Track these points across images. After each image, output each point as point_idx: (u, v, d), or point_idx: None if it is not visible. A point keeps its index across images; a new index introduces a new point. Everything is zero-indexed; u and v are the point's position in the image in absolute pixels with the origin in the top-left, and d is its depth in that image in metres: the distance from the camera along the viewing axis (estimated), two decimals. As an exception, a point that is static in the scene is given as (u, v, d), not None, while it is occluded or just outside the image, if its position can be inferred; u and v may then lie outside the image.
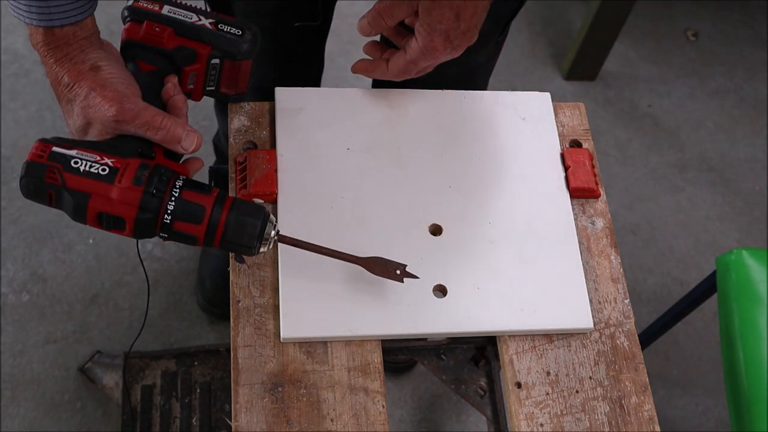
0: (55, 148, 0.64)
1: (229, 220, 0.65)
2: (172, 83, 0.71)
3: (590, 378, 0.74)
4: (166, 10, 0.73)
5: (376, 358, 0.72)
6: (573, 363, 0.75)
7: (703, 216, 1.90)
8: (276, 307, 0.72)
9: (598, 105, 2.03)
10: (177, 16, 0.73)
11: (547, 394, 0.73)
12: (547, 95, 0.88)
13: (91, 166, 0.63)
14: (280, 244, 0.74)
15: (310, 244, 0.71)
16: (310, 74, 1.19)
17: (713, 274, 1.22)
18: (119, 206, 0.63)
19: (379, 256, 0.73)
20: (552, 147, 0.85)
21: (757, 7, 2.28)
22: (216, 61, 0.74)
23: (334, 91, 0.85)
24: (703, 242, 1.86)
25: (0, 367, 1.48)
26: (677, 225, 1.87)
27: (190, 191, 0.65)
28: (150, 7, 0.73)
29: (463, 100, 0.86)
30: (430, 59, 0.75)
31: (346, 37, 1.96)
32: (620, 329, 0.77)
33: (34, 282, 1.58)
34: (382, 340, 0.73)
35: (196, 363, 1.39)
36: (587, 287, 0.78)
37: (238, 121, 0.82)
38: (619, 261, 0.81)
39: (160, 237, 0.66)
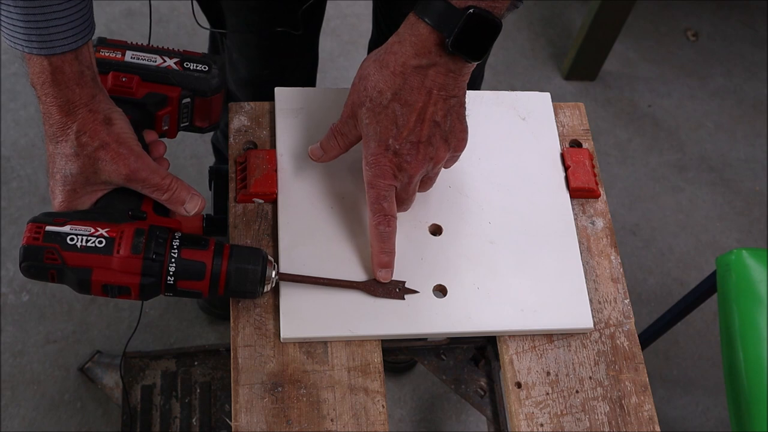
0: (48, 228, 0.64)
1: (230, 271, 0.67)
2: (157, 151, 0.72)
3: (590, 378, 0.74)
4: (129, 56, 0.72)
5: (376, 358, 0.72)
6: (573, 363, 0.75)
7: (703, 216, 1.90)
8: (276, 307, 0.72)
9: (598, 105, 2.03)
10: (141, 62, 0.72)
11: (547, 394, 0.73)
12: (547, 95, 0.88)
13: (87, 240, 0.64)
14: (279, 243, 0.74)
15: (310, 277, 0.72)
16: (304, 69, 1.19)
17: (713, 274, 1.22)
18: (122, 276, 0.64)
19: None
20: (552, 147, 0.85)
21: (757, 7, 2.28)
22: (187, 100, 0.74)
23: (334, 91, 0.85)
24: (703, 242, 1.86)
25: (0, 367, 1.48)
26: (677, 225, 1.88)
27: (188, 249, 0.66)
28: (112, 56, 0.72)
29: (463, 100, 0.86)
30: (380, 176, 0.70)
31: (346, 37, 1.96)
32: (620, 329, 0.77)
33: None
34: (382, 340, 0.73)
35: (196, 363, 1.39)
36: (587, 287, 0.78)
37: (238, 121, 0.82)
38: (619, 261, 0.81)
39: (166, 295, 0.67)
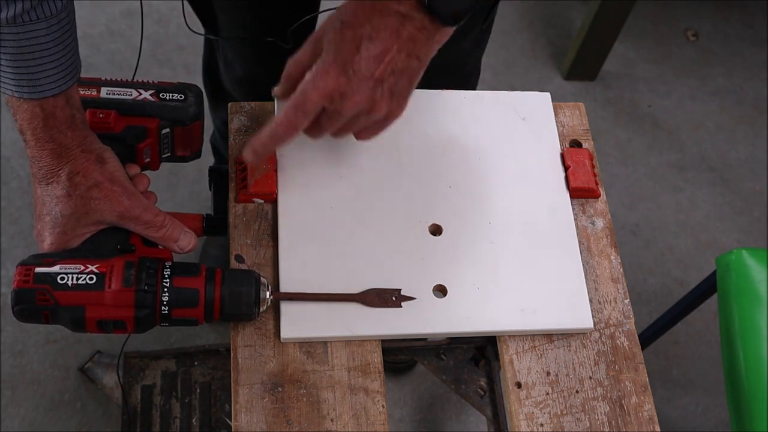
0: (37, 269, 0.64)
1: (224, 295, 0.67)
2: (141, 184, 0.71)
3: (590, 378, 0.74)
4: (104, 92, 0.72)
5: (376, 358, 0.72)
6: (573, 363, 0.75)
7: (703, 216, 1.90)
8: (276, 307, 0.72)
9: (598, 105, 2.03)
10: (117, 97, 0.72)
11: (547, 394, 0.73)
12: (547, 95, 0.88)
13: (78, 278, 0.64)
14: (279, 243, 0.74)
15: (305, 294, 0.72)
16: None
17: (713, 274, 1.22)
18: (116, 310, 0.64)
19: (373, 287, 0.73)
20: (552, 147, 0.85)
21: (757, 7, 2.28)
22: (167, 130, 0.74)
23: (334, 91, 0.85)
24: (703, 242, 1.86)
25: (0, 367, 1.48)
26: (677, 225, 1.88)
27: (180, 277, 0.66)
28: (88, 93, 0.72)
29: (463, 100, 0.86)
30: (318, 88, 0.65)
31: (346, 37, 1.96)
32: (620, 329, 0.77)
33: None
34: (382, 340, 0.73)
35: (196, 363, 1.39)
36: (587, 287, 0.78)
37: (238, 121, 0.82)
38: (619, 261, 0.81)
39: (162, 326, 0.67)
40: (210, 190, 0.82)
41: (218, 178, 0.80)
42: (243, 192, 0.77)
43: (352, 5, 0.67)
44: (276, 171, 0.78)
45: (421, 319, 0.73)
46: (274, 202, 0.78)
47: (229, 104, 0.83)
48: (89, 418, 1.46)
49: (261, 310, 0.70)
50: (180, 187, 1.72)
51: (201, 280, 0.66)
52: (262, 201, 0.78)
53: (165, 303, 0.65)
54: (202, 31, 1.09)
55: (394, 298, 0.73)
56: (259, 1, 0.99)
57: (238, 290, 0.67)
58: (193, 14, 1.06)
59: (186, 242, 0.70)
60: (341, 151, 0.81)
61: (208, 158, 1.71)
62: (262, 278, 0.70)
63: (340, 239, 0.76)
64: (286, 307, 0.72)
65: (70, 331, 0.66)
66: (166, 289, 0.65)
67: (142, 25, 0.87)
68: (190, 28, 0.95)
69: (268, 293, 0.70)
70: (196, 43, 1.87)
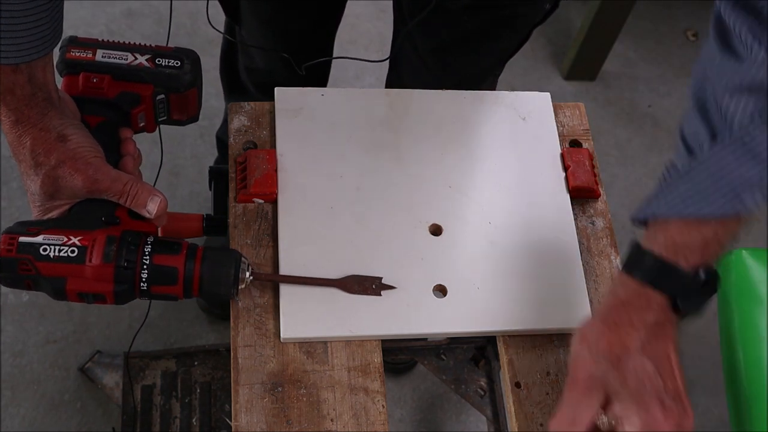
0: (21, 239, 0.64)
1: (203, 274, 0.67)
2: (131, 156, 0.71)
3: (590, 378, 0.74)
4: (100, 55, 0.71)
5: (376, 358, 0.72)
6: (573, 363, 0.75)
7: (703, 216, 1.90)
8: (276, 307, 0.72)
9: (598, 105, 2.03)
10: (113, 60, 0.71)
11: (547, 394, 0.73)
12: (547, 95, 0.88)
13: (60, 250, 0.64)
14: (279, 243, 0.74)
15: (284, 276, 0.72)
16: (318, 65, 1.19)
17: (713, 274, 1.21)
18: (95, 284, 0.64)
19: (353, 274, 0.74)
20: (552, 147, 0.85)
21: (757, 7, 2.28)
22: (161, 96, 0.73)
23: (334, 91, 0.85)
24: (703, 242, 1.85)
25: (0, 367, 1.48)
26: (677, 225, 1.87)
27: (160, 254, 0.66)
28: (83, 56, 0.71)
29: (463, 100, 0.87)
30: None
31: (346, 37, 1.96)
32: (620, 329, 0.77)
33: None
34: (382, 340, 0.73)
35: (196, 363, 1.39)
36: (587, 287, 0.78)
37: (238, 121, 0.82)
38: (619, 261, 0.81)
39: (142, 299, 0.67)
40: (210, 190, 0.82)
41: (218, 178, 0.80)
42: (243, 192, 0.77)
43: (604, 340, 0.62)
44: (276, 171, 0.78)
45: (421, 319, 0.73)
46: (274, 202, 0.78)
47: (230, 104, 0.83)
48: (89, 418, 1.46)
49: (241, 287, 0.69)
50: (180, 187, 1.72)
51: (181, 258, 0.66)
52: (262, 201, 0.78)
53: (144, 279, 0.65)
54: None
55: (374, 287, 0.73)
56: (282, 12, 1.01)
57: (217, 269, 0.67)
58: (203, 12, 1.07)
59: (153, 206, 0.68)
60: (341, 151, 0.81)
61: (208, 158, 1.71)
62: (243, 258, 0.69)
63: (339, 239, 0.76)
64: (286, 307, 0.72)
65: (53, 299, 0.66)
66: (145, 266, 0.65)
67: (170, 21, 0.86)
68: (212, 25, 0.96)
69: (248, 273, 0.70)
70: (196, 43, 1.87)
